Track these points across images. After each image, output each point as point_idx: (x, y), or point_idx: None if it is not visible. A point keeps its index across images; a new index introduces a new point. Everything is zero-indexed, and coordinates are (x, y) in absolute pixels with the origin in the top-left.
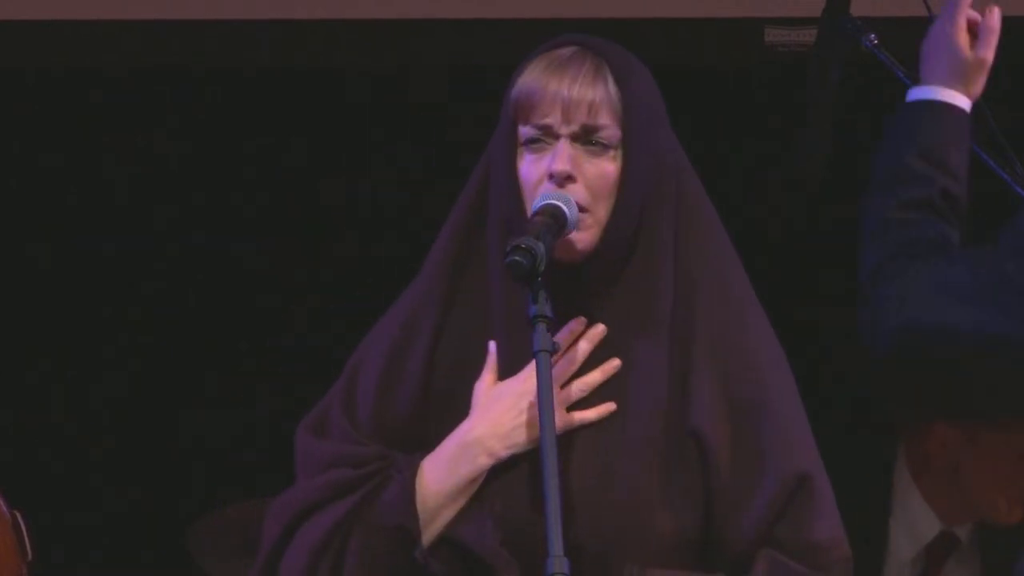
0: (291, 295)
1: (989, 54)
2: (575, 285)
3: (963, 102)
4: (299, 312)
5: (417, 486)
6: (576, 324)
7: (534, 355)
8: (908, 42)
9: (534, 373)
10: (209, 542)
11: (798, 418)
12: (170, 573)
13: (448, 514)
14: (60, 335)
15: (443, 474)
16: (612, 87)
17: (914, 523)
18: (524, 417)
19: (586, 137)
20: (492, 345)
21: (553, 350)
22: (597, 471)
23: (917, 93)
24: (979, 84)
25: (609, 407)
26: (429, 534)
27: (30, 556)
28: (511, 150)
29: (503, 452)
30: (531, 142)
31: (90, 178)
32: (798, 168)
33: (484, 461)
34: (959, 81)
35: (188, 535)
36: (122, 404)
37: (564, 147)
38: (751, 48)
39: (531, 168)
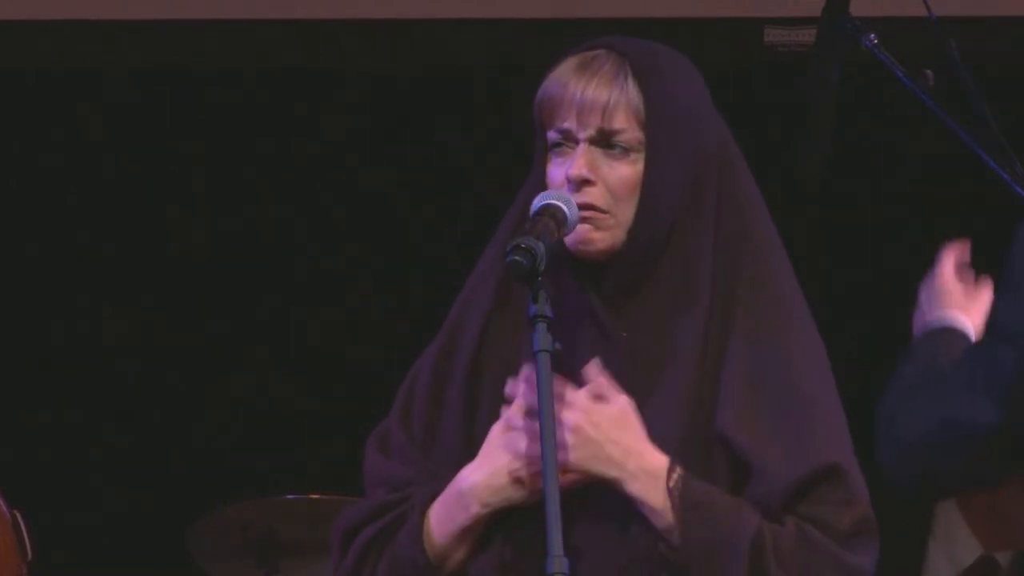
0: (291, 295)
1: (986, 296)
2: (603, 284)
3: (967, 326)
4: (299, 312)
5: (425, 527)
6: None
7: (534, 355)
8: (908, 42)
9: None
10: (209, 542)
11: (833, 417)
12: (170, 573)
13: (459, 554)
14: (60, 335)
15: (443, 519)
16: (632, 89)
17: (954, 546)
18: (523, 473)
19: (604, 141)
20: (523, 387)
21: (553, 350)
22: None
23: (920, 326)
24: (979, 318)
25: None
26: (447, 568)
27: (30, 556)
28: (542, 154)
29: (497, 504)
30: (555, 146)
31: (90, 178)
32: (798, 168)
33: (477, 510)
34: (958, 309)
35: (188, 535)
36: (122, 404)
37: (581, 151)
38: (751, 48)
39: (556, 172)
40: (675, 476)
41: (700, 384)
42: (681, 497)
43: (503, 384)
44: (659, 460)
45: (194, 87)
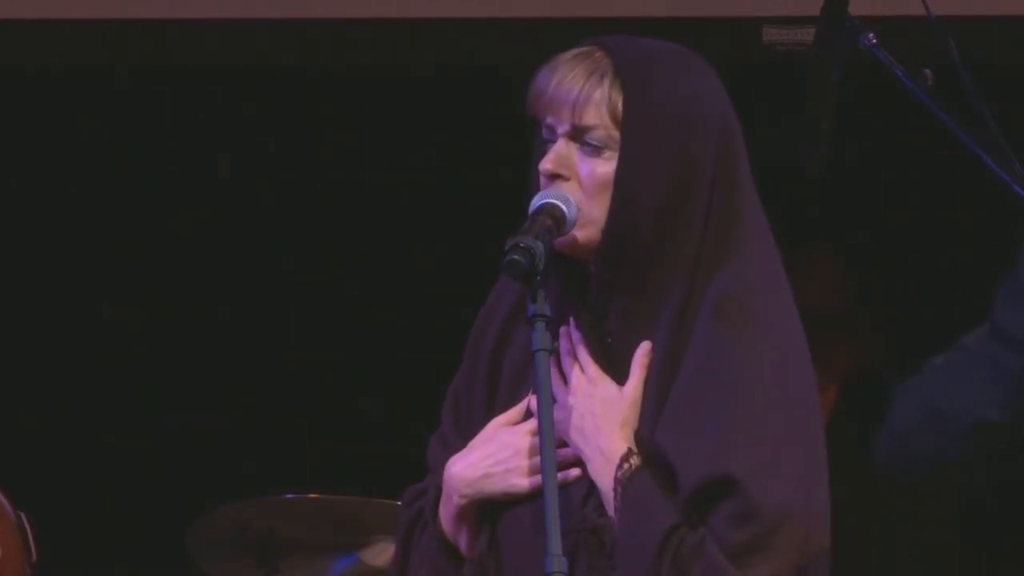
0: (292, 294)
1: None
2: (590, 286)
3: None
4: (299, 311)
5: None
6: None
7: (532, 354)
8: (908, 42)
9: (535, 427)
10: (208, 542)
11: (753, 429)
12: (169, 573)
13: (462, 539)
14: (60, 335)
15: (442, 506)
16: (610, 87)
17: None
18: (498, 469)
19: (578, 136)
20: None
21: (552, 350)
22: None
23: None
24: None
25: (573, 472)
26: (460, 550)
27: (34, 557)
28: (539, 148)
29: (472, 496)
30: (545, 141)
31: (90, 178)
32: (802, 153)
33: (457, 501)
34: None
35: (188, 535)
36: (121, 404)
37: (556, 146)
38: (749, 47)
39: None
40: (626, 466)
41: (659, 392)
42: (623, 489)
43: (516, 381)
44: (617, 446)
45: (194, 87)
